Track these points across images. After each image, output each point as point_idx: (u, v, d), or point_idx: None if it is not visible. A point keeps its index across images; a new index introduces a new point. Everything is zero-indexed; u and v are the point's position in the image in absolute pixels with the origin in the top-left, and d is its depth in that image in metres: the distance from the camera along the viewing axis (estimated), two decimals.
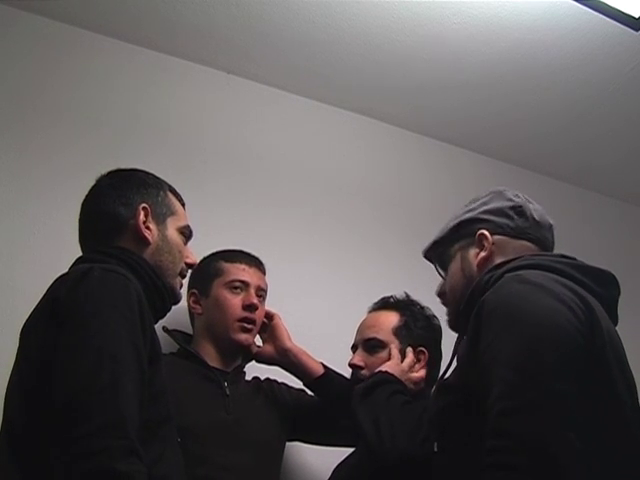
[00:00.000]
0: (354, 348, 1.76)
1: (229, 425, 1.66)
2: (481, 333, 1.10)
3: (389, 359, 1.66)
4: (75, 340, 1.12)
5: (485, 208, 1.37)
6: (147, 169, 1.48)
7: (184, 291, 1.60)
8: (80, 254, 1.37)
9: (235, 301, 1.75)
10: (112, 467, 1.01)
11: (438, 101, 2.46)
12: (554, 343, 1.03)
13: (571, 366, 1.02)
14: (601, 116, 2.51)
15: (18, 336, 1.24)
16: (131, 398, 1.09)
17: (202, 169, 2.18)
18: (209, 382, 1.70)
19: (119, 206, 1.37)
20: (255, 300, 1.76)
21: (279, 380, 1.86)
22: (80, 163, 1.95)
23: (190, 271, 1.56)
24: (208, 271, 1.79)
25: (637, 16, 1.96)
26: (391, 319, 1.74)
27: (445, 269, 1.40)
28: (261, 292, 1.81)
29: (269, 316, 1.83)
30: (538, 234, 1.34)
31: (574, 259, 1.24)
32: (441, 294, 1.43)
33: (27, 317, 1.25)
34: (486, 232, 1.32)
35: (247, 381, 1.82)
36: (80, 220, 1.41)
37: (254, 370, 1.85)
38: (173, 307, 1.44)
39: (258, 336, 1.83)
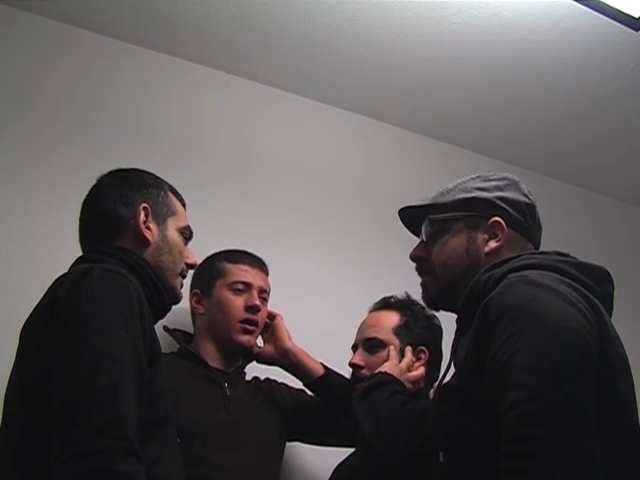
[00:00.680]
0: (354, 348, 1.76)
1: (229, 426, 1.66)
2: (487, 336, 1.06)
3: (389, 359, 1.66)
4: (75, 340, 1.12)
5: (501, 194, 1.30)
6: (147, 169, 1.48)
7: (186, 291, 1.59)
8: (80, 254, 1.37)
9: (237, 302, 1.75)
10: (111, 467, 1.01)
11: (438, 101, 2.46)
12: (571, 346, 1.00)
13: (587, 370, 0.99)
14: (601, 116, 2.51)
15: (18, 336, 1.24)
16: (130, 398, 1.09)
17: (202, 169, 2.18)
18: (209, 382, 1.70)
19: (119, 206, 1.37)
20: (257, 302, 1.76)
21: (279, 380, 1.86)
22: (80, 163, 1.95)
23: (192, 271, 1.55)
24: (211, 271, 1.79)
25: (637, 16, 1.96)
26: (391, 319, 1.74)
27: (435, 237, 1.32)
28: (264, 293, 1.81)
29: (271, 316, 1.83)
30: (537, 238, 1.33)
31: (569, 255, 1.21)
32: (419, 258, 1.35)
33: (27, 317, 1.25)
34: (502, 222, 1.27)
35: (247, 381, 1.82)
36: (80, 220, 1.41)
37: (254, 370, 1.84)
38: (174, 307, 1.44)
39: (260, 337, 1.83)
